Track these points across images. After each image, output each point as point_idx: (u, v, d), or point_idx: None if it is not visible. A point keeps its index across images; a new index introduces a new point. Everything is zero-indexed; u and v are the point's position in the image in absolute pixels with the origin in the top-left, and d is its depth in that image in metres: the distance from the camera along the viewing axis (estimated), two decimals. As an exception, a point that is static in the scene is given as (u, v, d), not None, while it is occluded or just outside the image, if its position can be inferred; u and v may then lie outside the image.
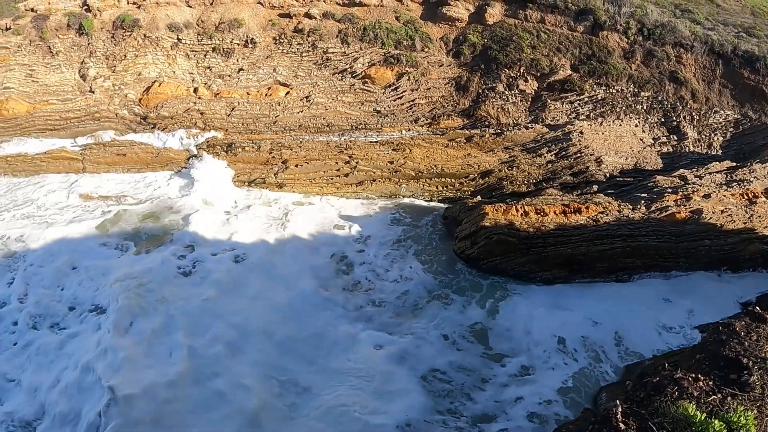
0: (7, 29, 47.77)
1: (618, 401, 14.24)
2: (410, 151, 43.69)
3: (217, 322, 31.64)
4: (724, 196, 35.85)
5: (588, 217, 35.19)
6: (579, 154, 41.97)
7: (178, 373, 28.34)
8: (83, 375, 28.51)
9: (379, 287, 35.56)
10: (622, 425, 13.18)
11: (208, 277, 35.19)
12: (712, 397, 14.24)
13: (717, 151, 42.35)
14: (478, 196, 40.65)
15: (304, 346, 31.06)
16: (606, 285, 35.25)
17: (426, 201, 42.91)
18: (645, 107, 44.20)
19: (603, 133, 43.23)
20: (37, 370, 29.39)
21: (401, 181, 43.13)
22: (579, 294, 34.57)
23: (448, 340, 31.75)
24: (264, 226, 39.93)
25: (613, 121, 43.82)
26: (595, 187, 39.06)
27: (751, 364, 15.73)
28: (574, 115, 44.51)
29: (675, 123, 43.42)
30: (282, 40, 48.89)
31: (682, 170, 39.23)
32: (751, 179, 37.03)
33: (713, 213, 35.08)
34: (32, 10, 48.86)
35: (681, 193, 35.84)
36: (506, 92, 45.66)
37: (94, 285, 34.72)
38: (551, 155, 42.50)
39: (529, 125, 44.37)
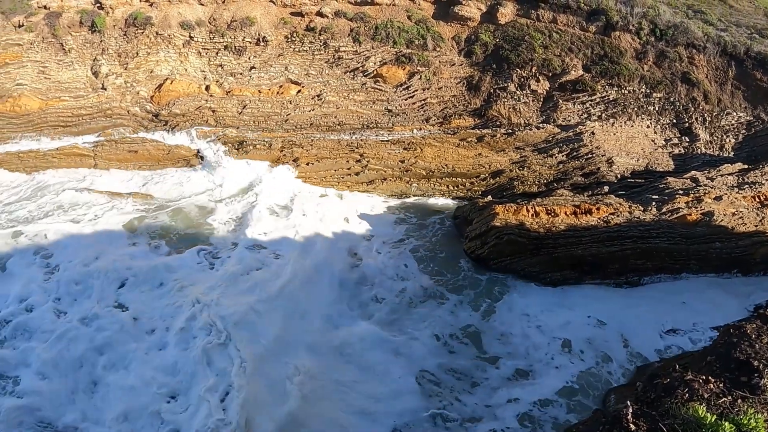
0: (20, 26, 48.05)
1: (629, 402, 14.25)
2: (421, 150, 43.74)
3: (257, 319, 32.05)
4: (736, 198, 35.74)
5: (599, 218, 35.13)
6: (590, 155, 41.92)
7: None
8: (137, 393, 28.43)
9: (383, 284, 35.60)
10: (632, 426, 13.19)
11: (245, 273, 35.66)
12: (723, 399, 14.23)
13: (729, 153, 42.21)
14: (489, 196, 40.67)
15: (315, 338, 31.47)
16: (612, 285, 35.34)
17: (436, 200, 42.98)
18: (657, 108, 44.07)
19: (614, 134, 43.15)
20: (72, 370, 29.33)
21: (412, 180, 43.20)
22: (584, 294, 34.56)
23: (441, 341, 31.69)
24: (292, 221, 40.30)
25: (625, 122, 43.71)
26: (606, 188, 38.98)
27: (761, 366, 15.72)
28: (585, 115, 44.41)
29: (687, 124, 43.28)
30: (294, 39, 48.96)
31: (693, 172, 39.08)
32: (763, 182, 36.88)
33: (724, 215, 34.96)
34: (45, 7, 49.11)
35: (692, 195, 35.72)
36: (518, 92, 45.58)
37: (119, 280, 34.96)
38: (562, 156, 42.48)
39: (541, 125, 44.30)
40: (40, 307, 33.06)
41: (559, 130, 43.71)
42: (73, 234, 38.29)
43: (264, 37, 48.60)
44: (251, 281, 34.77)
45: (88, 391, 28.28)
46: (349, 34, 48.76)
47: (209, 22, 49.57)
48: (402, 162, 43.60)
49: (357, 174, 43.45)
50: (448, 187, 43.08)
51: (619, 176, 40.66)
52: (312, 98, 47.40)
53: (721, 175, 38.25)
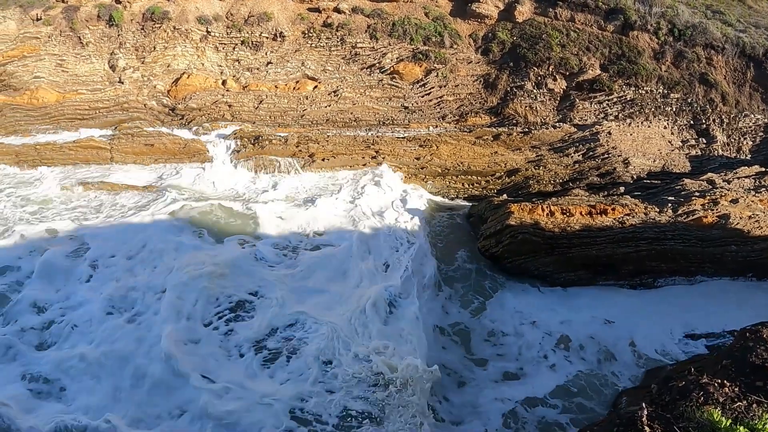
0: (38, 19, 48.28)
1: (644, 404, 14.22)
2: (437, 147, 43.70)
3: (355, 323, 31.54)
4: (752, 201, 35.52)
5: (614, 219, 35.00)
6: (606, 155, 41.79)
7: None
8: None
9: (394, 274, 35.37)
10: (647, 429, 13.17)
11: (307, 267, 35.51)
12: (738, 404, 14.17)
13: (746, 156, 42.02)
14: (504, 195, 40.57)
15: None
16: (626, 287, 35.30)
17: (450, 198, 42.98)
18: (674, 109, 43.89)
19: (631, 134, 43.02)
20: (121, 371, 28.12)
21: (427, 177, 43.19)
22: (592, 294, 34.50)
23: (434, 334, 31.51)
24: (334, 211, 40.32)
25: (642, 123, 43.56)
26: (622, 189, 38.84)
27: (777, 371, 15.66)
28: (602, 115, 44.28)
29: (704, 126, 43.08)
30: (311, 34, 48.99)
31: (710, 174, 38.91)
32: (780, 185, 36.72)
33: (740, 218, 34.76)
34: (63, 1, 49.32)
35: (708, 197, 35.53)
36: (534, 91, 45.51)
37: (164, 271, 34.17)
38: (578, 155, 42.37)
39: (557, 124, 44.23)
40: (85, 304, 31.99)
41: (575, 130, 43.61)
42: (107, 227, 37.78)
43: (281, 32, 48.65)
44: (317, 275, 34.50)
45: (138, 392, 27.21)
46: (366, 31, 48.77)
47: (226, 17, 49.66)
48: (417, 159, 43.60)
49: (372, 170, 43.57)
50: (463, 184, 43.03)
51: (635, 177, 40.54)
52: (328, 94, 47.46)
53: (738, 178, 38.05)
